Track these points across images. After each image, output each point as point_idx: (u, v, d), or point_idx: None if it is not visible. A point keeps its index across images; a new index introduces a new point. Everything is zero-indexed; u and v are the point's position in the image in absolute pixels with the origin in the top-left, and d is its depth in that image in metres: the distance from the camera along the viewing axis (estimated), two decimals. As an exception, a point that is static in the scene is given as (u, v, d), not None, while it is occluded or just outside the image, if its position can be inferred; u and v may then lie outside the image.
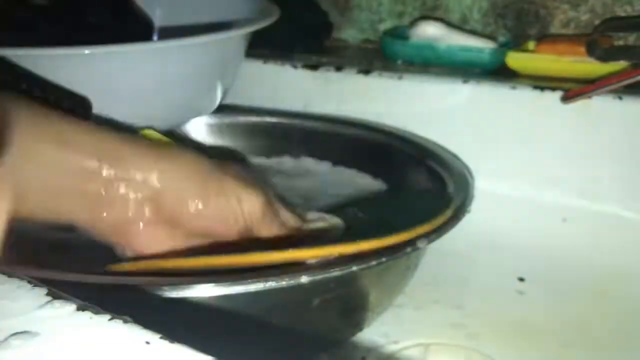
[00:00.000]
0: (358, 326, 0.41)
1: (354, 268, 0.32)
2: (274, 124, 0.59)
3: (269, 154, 0.59)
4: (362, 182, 0.55)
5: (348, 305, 0.38)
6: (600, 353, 0.41)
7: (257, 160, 0.59)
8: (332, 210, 0.44)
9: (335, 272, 0.32)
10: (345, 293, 0.36)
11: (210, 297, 0.30)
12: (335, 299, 0.36)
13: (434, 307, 0.45)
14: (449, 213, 0.39)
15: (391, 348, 0.41)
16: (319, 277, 0.32)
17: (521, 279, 0.49)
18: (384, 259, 0.34)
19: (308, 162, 0.58)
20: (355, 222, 0.46)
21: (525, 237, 0.52)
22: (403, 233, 0.36)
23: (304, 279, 0.31)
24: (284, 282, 0.31)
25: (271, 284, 0.30)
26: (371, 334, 0.41)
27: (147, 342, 0.19)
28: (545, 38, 0.61)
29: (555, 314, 0.45)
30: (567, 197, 0.53)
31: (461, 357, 0.40)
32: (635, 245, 0.49)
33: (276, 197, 0.39)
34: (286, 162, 0.58)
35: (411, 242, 0.36)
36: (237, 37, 0.49)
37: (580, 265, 0.49)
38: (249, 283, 0.30)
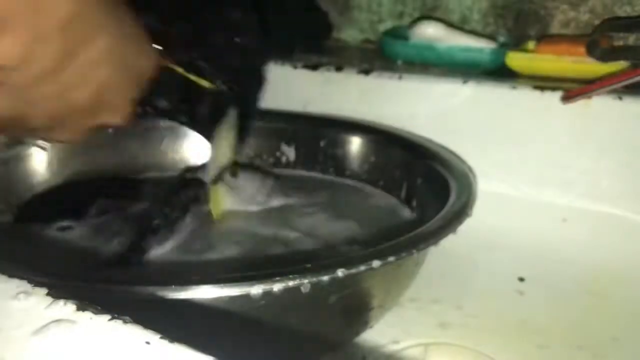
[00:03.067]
0: (365, 326, 0.41)
1: (357, 270, 0.32)
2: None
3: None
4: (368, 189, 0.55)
5: (355, 305, 0.38)
6: (600, 353, 0.41)
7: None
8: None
9: (340, 273, 0.32)
10: (352, 293, 0.36)
11: (213, 299, 0.30)
12: (342, 300, 0.35)
13: (434, 307, 0.45)
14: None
15: (391, 348, 0.41)
16: (324, 278, 0.31)
17: (521, 279, 0.49)
18: (392, 258, 0.34)
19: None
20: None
21: (525, 237, 0.52)
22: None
23: (308, 281, 0.31)
24: (287, 284, 0.30)
25: (273, 286, 0.30)
26: (371, 334, 0.41)
27: (147, 342, 0.19)
28: (545, 38, 0.61)
29: (555, 314, 0.45)
30: (567, 197, 0.53)
31: (461, 357, 0.40)
32: (635, 246, 0.49)
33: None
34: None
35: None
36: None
37: (580, 265, 0.49)
38: (251, 285, 0.30)
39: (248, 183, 0.50)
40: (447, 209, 0.41)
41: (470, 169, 0.49)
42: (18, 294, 0.22)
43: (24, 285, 0.23)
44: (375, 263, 0.33)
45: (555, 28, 0.63)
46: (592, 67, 0.54)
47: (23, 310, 0.21)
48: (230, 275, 0.31)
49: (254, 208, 0.49)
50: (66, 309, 0.21)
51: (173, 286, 0.30)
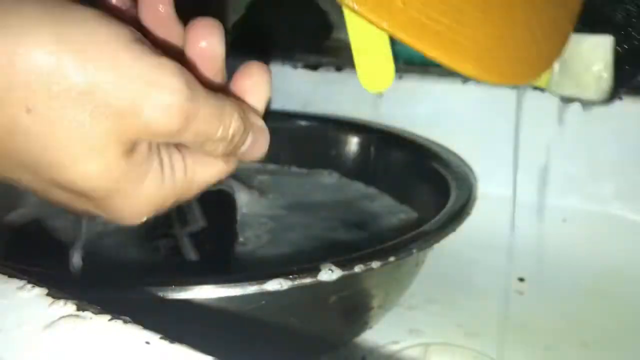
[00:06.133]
0: (365, 326, 0.41)
1: (357, 270, 0.32)
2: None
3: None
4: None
5: (355, 305, 0.38)
6: (600, 353, 0.41)
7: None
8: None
9: (339, 274, 0.32)
10: (352, 293, 0.36)
11: (213, 299, 0.30)
12: (342, 300, 0.35)
13: (434, 307, 0.45)
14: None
15: (391, 348, 0.41)
16: (324, 279, 0.31)
17: (521, 279, 0.49)
18: (392, 258, 0.34)
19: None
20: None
21: (525, 237, 0.52)
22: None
23: (308, 281, 0.31)
24: (286, 285, 0.30)
25: (273, 286, 0.30)
26: (371, 334, 0.41)
27: (147, 342, 0.19)
28: (545, 38, 0.61)
29: (555, 314, 0.45)
30: (567, 197, 0.53)
31: (461, 357, 0.40)
32: (635, 246, 0.49)
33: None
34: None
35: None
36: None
37: (580, 265, 0.49)
38: (250, 285, 0.30)
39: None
40: (447, 208, 0.41)
41: (470, 169, 0.49)
42: (17, 293, 0.22)
43: (23, 285, 0.23)
44: (375, 263, 0.33)
45: (555, 28, 0.63)
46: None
47: (23, 310, 0.21)
48: (229, 275, 0.31)
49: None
50: (66, 308, 0.21)
51: (173, 286, 0.30)
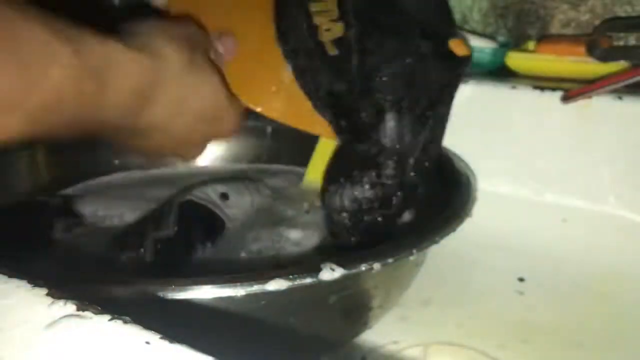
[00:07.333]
0: (365, 326, 0.40)
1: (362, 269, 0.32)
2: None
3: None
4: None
5: (355, 305, 0.38)
6: (600, 353, 0.41)
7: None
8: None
9: (338, 274, 0.32)
10: (352, 294, 0.36)
11: (214, 299, 0.30)
12: (342, 300, 0.35)
13: (434, 307, 0.45)
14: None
15: (391, 348, 0.41)
16: (324, 278, 0.31)
17: (521, 279, 0.49)
18: (393, 259, 0.34)
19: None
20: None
21: (525, 237, 0.52)
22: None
23: (309, 281, 0.31)
24: (286, 284, 0.30)
25: (273, 286, 0.30)
26: (371, 334, 0.41)
27: (147, 342, 0.19)
28: (545, 38, 0.61)
29: (555, 314, 0.45)
30: (567, 197, 0.53)
31: (461, 357, 0.40)
32: (635, 246, 0.49)
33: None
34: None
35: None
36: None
37: (580, 265, 0.49)
38: (250, 285, 0.30)
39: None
40: (447, 209, 0.41)
41: (470, 169, 0.49)
42: (18, 293, 0.22)
43: (23, 285, 0.23)
44: (375, 264, 0.33)
45: (555, 28, 0.63)
46: (592, 67, 0.54)
47: (23, 310, 0.21)
48: (229, 275, 0.31)
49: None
50: (66, 308, 0.21)
51: (173, 286, 0.30)
